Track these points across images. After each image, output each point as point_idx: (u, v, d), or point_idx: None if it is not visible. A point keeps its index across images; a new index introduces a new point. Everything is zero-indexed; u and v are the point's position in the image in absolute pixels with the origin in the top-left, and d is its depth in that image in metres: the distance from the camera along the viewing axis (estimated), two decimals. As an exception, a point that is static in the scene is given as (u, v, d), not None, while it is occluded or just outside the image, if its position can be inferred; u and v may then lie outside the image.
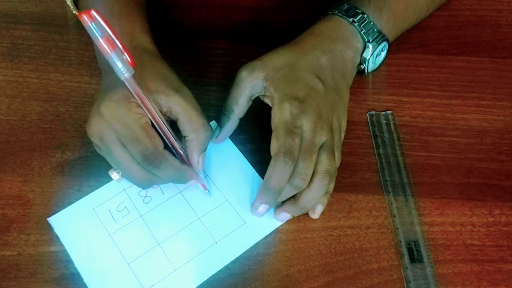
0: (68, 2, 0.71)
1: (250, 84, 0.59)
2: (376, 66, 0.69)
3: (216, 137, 0.62)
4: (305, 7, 0.76)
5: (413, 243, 0.57)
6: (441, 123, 0.66)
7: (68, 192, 0.60)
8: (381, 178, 0.61)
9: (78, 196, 0.60)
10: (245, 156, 0.63)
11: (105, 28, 0.49)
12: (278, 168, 0.54)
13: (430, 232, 0.58)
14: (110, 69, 0.52)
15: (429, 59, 0.71)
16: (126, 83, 0.52)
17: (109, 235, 0.57)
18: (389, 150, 0.63)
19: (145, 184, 0.57)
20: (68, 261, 0.56)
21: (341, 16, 0.64)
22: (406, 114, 0.66)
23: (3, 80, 0.69)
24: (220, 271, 0.56)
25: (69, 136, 0.64)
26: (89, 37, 0.70)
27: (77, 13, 0.72)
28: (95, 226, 0.58)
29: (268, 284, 0.55)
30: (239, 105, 0.60)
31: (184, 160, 0.57)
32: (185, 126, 0.56)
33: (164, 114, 0.55)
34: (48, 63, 0.70)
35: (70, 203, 0.59)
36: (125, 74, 0.51)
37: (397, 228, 0.58)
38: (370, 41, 0.64)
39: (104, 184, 0.60)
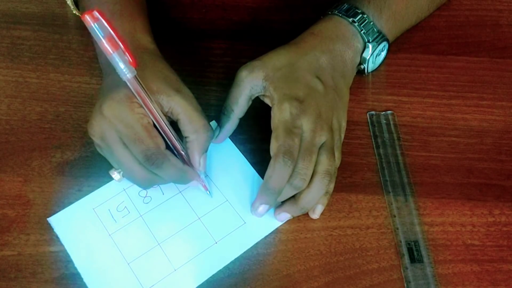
0: (68, 2, 0.72)
1: (250, 84, 0.59)
2: (376, 66, 0.69)
3: (216, 137, 0.62)
4: (305, 7, 0.76)
5: (413, 243, 0.57)
6: (441, 123, 0.66)
7: (68, 192, 0.60)
8: (381, 178, 0.61)
9: (78, 196, 0.60)
10: (245, 156, 0.63)
11: (107, 29, 0.50)
12: (277, 169, 0.54)
13: (430, 232, 0.58)
14: (111, 69, 0.52)
15: (429, 59, 0.71)
16: (128, 84, 0.52)
17: (109, 235, 0.57)
18: (389, 150, 0.63)
19: (146, 184, 0.57)
20: (68, 261, 0.56)
21: (341, 16, 0.64)
22: (406, 114, 0.66)
23: (3, 80, 0.69)
24: (220, 271, 0.56)
25: (69, 136, 0.64)
26: (89, 37, 0.71)
27: (77, 13, 0.72)
28: (95, 226, 0.58)
29: (268, 284, 0.55)
30: (239, 105, 0.60)
31: (186, 161, 0.57)
32: (186, 126, 0.56)
33: (165, 115, 0.55)
34: (48, 63, 0.70)
35: (70, 203, 0.59)
36: (127, 75, 0.51)
37: (397, 228, 0.58)
38: (370, 41, 0.64)
39: (104, 184, 0.60)
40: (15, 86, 0.68)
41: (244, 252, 0.57)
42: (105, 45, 0.50)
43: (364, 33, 0.64)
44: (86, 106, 0.66)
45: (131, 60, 0.51)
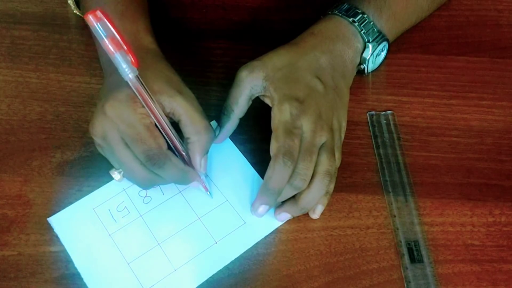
0: (69, 2, 0.72)
1: (250, 84, 0.59)
2: (376, 66, 0.69)
3: (216, 137, 0.62)
4: (305, 7, 0.76)
5: (413, 243, 0.57)
6: (441, 123, 0.66)
7: (68, 192, 0.60)
8: (381, 178, 0.61)
9: (78, 196, 0.60)
10: (245, 156, 0.63)
11: (110, 29, 0.50)
12: (277, 169, 0.54)
13: (430, 232, 0.58)
14: (113, 69, 0.52)
15: (429, 59, 0.71)
16: (130, 84, 0.52)
17: (109, 235, 0.57)
18: (389, 150, 0.63)
19: (147, 185, 0.57)
20: (68, 261, 0.56)
21: (341, 16, 0.64)
22: (406, 114, 0.66)
23: (3, 80, 0.69)
24: (220, 271, 0.56)
25: (69, 136, 0.64)
26: (89, 37, 0.71)
27: (78, 13, 0.72)
28: (95, 226, 0.58)
29: (268, 284, 0.55)
30: (239, 105, 0.60)
31: (186, 162, 0.57)
32: (187, 128, 0.56)
33: (167, 116, 0.55)
34: (48, 63, 0.70)
35: (70, 203, 0.59)
36: (129, 75, 0.51)
37: (397, 228, 0.58)
38: (370, 41, 0.64)
39: (104, 184, 0.60)
40: (15, 86, 0.68)
41: (244, 252, 0.57)
42: (108, 45, 0.50)
43: (364, 33, 0.64)
44: (86, 106, 0.66)
45: (133, 60, 0.51)
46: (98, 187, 0.60)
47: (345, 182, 0.61)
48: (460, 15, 0.75)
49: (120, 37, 0.50)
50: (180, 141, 0.56)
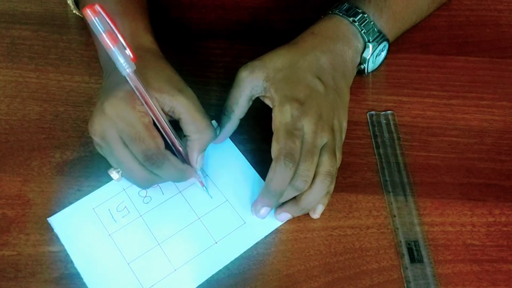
0: (68, 2, 0.71)
1: (251, 84, 0.59)
2: (376, 66, 0.69)
3: (216, 137, 0.62)
4: (305, 7, 0.76)
5: (413, 243, 0.57)
6: (441, 123, 0.66)
7: (68, 192, 0.60)
8: (381, 178, 0.61)
9: (78, 196, 0.60)
10: (245, 156, 0.63)
11: (108, 23, 0.49)
12: (278, 171, 0.54)
13: (430, 232, 0.58)
14: (113, 68, 0.52)
15: (429, 59, 0.71)
16: (128, 79, 0.52)
17: (109, 235, 0.57)
18: (389, 150, 0.63)
19: (145, 184, 0.57)
20: (68, 261, 0.56)
21: (341, 16, 0.64)
22: (406, 114, 0.66)
23: (2, 80, 0.69)
24: (220, 271, 0.56)
25: (68, 136, 0.64)
26: (88, 37, 0.71)
27: (77, 13, 0.72)
28: (95, 226, 0.58)
29: (268, 284, 0.55)
30: (239, 106, 0.60)
31: (183, 157, 0.57)
32: (188, 126, 0.56)
33: (166, 114, 0.55)
34: (48, 63, 0.70)
35: (70, 203, 0.59)
36: (127, 70, 0.51)
37: (397, 228, 0.58)
38: (370, 41, 0.64)
39: (104, 184, 0.60)
40: (15, 86, 0.68)
41: (244, 252, 0.57)
42: (106, 40, 0.50)
43: (364, 33, 0.64)
44: (86, 106, 0.66)
45: (131, 55, 0.51)
46: (98, 187, 0.60)
47: (345, 182, 0.61)
48: (460, 15, 0.75)
49: (118, 32, 0.50)
50: (177, 137, 0.56)
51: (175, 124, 0.56)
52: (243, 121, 0.62)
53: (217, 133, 0.62)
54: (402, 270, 0.56)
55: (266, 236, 0.58)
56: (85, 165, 0.62)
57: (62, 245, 0.57)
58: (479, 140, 0.64)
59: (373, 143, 0.64)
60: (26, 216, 0.58)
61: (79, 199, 0.59)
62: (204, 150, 0.57)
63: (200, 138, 0.56)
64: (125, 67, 0.51)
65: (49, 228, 0.58)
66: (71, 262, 0.56)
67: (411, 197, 0.60)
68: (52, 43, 0.72)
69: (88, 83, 0.68)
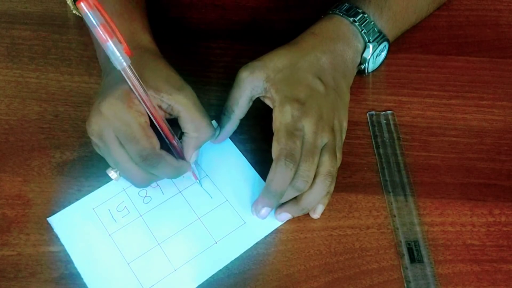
0: (68, 2, 0.71)
1: (251, 85, 0.59)
2: (376, 66, 0.69)
3: (216, 137, 0.62)
4: (305, 7, 0.76)
5: (413, 243, 0.57)
6: (441, 123, 0.66)
7: (68, 192, 0.60)
8: (381, 178, 0.61)
9: (78, 196, 0.60)
10: (245, 156, 0.63)
11: (103, 17, 0.49)
12: (279, 172, 0.54)
13: (430, 232, 0.58)
14: (111, 68, 0.52)
15: (429, 59, 0.71)
16: (123, 73, 0.51)
17: (109, 235, 0.57)
18: (389, 150, 0.63)
19: (142, 183, 0.57)
20: (68, 261, 0.56)
21: (341, 16, 0.64)
22: (406, 114, 0.66)
23: (2, 80, 0.69)
24: (220, 271, 0.56)
25: (68, 136, 0.64)
26: (88, 37, 0.71)
27: (77, 13, 0.72)
28: (95, 226, 0.58)
29: (268, 284, 0.55)
30: (240, 106, 0.60)
31: (178, 152, 0.57)
32: (187, 124, 0.55)
33: (165, 111, 0.55)
34: (48, 63, 0.70)
35: (70, 203, 0.59)
36: (123, 63, 0.51)
37: (397, 228, 0.58)
38: (371, 41, 0.64)
39: (104, 184, 0.60)
40: (15, 86, 0.68)
41: (244, 252, 0.57)
42: (100, 33, 0.49)
43: (364, 33, 0.64)
44: (85, 106, 0.66)
45: (126, 48, 0.51)
46: (98, 187, 0.60)
47: (345, 182, 0.61)
48: (460, 15, 0.75)
49: (113, 25, 0.50)
50: (173, 134, 0.56)
51: (173, 121, 0.56)
52: (243, 121, 0.62)
53: (217, 134, 0.62)
54: (402, 270, 0.56)
55: (266, 236, 0.58)
56: (85, 165, 0.62)
57: (62, 245, 0.57)
58: (479, 140, 0.64)
59: (373, 143, 0.64)
60: (26, 216, 0.58)
61: (79, 199, 0.59)
62: (200, 147, 0.57)
63: (199, 137, 0.56)
64: (121, 61, 0.51)
65: (49, 228, 0.58)
66: (71, 262, 0.56)
67: (411, 197, 0.60)
68: (52, 43, 0.72)
69: (88, 83, 0.68)
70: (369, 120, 0.66)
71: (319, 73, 0.60)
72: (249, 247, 0.57)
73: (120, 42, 0.50)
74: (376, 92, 0.68)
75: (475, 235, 0.58)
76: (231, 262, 0.56)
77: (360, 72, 0.67)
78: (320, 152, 0.56)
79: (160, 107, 0.54)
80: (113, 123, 0.53)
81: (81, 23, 0.73)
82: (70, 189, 0.60)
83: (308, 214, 0.58)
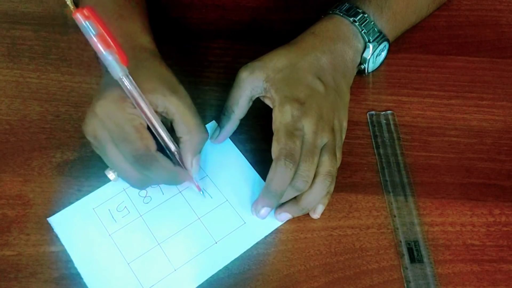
0: (68, 2, 0.71)
1: (251, 85, 0.59)
2: (376, 66, 0.69)
3: (216, 137, 0.62)
4: (305, 7, 0.76)
5: (413, 243, 0.57)
6: (441, 123, 0.66)
7: (68, 192, 0.60)
8: (381, 178, 0.61)
9: (78, 196, 0.60)
10: (245, 156, 0.63)
11: (99, 27, 0.49)
12: (279, 172, 0.54)
13: (430, 232, 0.58)
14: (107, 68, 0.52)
15: (429, 59, 0.71)
16: (120, 83, 0.52)
17: (109, 235, 0.57)
18: (389, 150, 0.63)
19: (139, 185, 0.57)
20: (68, 261, 0.56)
21: (342, 16, 0.64)
22: (406, 114, 0.66)
23: (3, 80, 0.69)
24: (220, 271, 0.56)
25: (69, 136, 0.64)
26: (84, 35, 0.71)
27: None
28: (95, 226, 0.58)
29: (268, 284, 0.55)
30: (240, 106, 0.60)
31: (179, 162, 0.57)
32: (179, 127, 0.55)
33: (160, 115, 0.55)
34: (48, 63, 0.70)
35: (70, 203, 0.59)
36: (119, 73, 0.51)
37: (397, 228, 0.58)
38: (371, 41, 0.64)
39: (104, 184, 0.60)
40: (15, 86, 0.68)
41: (244, 252, 0.57)
42: (97, 44, 0.50)
43: (364, 33, 0.64)
44: (86, 106, 0.66)
45: (122, 58, 0.51)
46: (98, 187, 0.60)
47: (345, 182, 0.61)
48: (460, 15, 0.75)
49: (109, 36, 0.50)
50: (172, 141, 0.56)
51: (170, 129, 0.56)
52: (243, 121, 0.62)
53: (217, 134, 0.62)
54: (402, 270, 0.56)
55: (266, 236, 0.58)
56: (86, 165, 0.62)
57: (62, 245, 0.57)
58: (479, 140, 0.64)
59: (373, 143, 0.64)
60: (27, 216, 0.59)
61: (79, 199, 0.59)
62: (198, 152, 0.57)
63: (191, 139, 0.55)
64: (117, 71, 0.51)
65: (49, 228, 0.58)
66: (71, 262, 0.56)
67: (411, 197, 0.60)
68: (52, 43, 0.72)
69: (89, 83, 0.68)
70: (369, 120, 0.66)
71: (319, 73, 0.60)
72: (249, 247, 0.57)
73: (117, 52, 0.50)
74: (376, 92, 0.68)
75: (475, 235, 0.58)
76: (231, 262, 0.56)
77: (360, 72, 0.67)
78: (320, 152, 0.56)
79: (155, 110, 0.54)
80: (107, 124, 0.53)
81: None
82: (70, 189, 0.60)
83: (308, 214, 0.58)
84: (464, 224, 0.59)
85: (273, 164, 0.55)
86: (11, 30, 0.73)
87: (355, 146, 0.64)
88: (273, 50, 0.61)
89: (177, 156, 0.56)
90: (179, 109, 0.55)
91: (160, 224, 0.58)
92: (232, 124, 0.61)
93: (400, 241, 0.57)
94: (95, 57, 0.68)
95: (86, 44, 0.71)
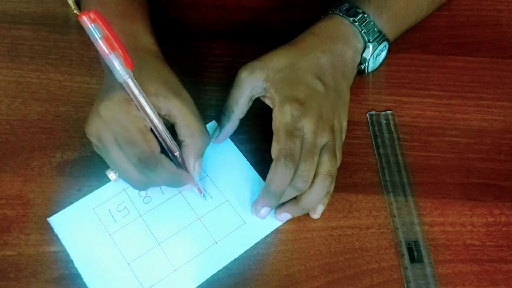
0: (69, 2, 0.71)
1: (251, 85, 0.59)
2: (376, 66, 0.69)
3: (216, 137, 0.62)
4: (305, 7, 0.76)
5: (413, 243, 0.57)
6: (441, 123, 0.66)
7: (68, 192, 0.60)
8: (381, 178, 0.61)
9: (78, 196, 0.60)
10: (245, 156, 0.63)
11: (104, 30, 0.49)
12: (279, 172, 0.54)
13: (430, 232, 0.58)
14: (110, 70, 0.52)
15: (429, 59, 0.71)
16: (124, 86, 0.52)
17: (109, 235, 0.57)
18: (389, 150, 0.63)
19: (140, 186, 0.57)
20: (68, 261, 0.56)
21: (341, 16, 0.64)
22: (406, 114, 0.66)
23: (3, 80, 0.69)
24: (220, 271, 0.56)
25: (69, 136, 0.64)
26: (89, 37, 0.71)
27: (78, 13, 0.72)
28: (95, 226, 0.58)
29: (268, 284, 0.55)
30: (239, 106, 0.60)
31: (181, 165, 0.57)
32: (182, 130, 0.55)
33: (162, 118, 0.55)
34: (48, 63, 0.70)
35: (70, 203, 0.59)
36: (124, 77, 0.51)
37: (397, 228, 0.58)
38: (371, 41, 0.64)
39: (104, 184, 0.60)
40: (15, 86, 0.68)
41: (244, 252, 0.57)
42: (102, 46, 0.50)
43: (364, 32, 0.64)
44: (86, 106, 0.66)
45: (127, 62, 0.51)
46: (98, 187, 0.60)
47: (345, 182, 0.61)
48: (460, 15, 0.75)
49: (114, 39, 0.50)
50: (175, 144, 0.56)
51: (173, 131, 0.56)
52: (243, 121, 0.62)
53: (217, 134, 0.62)
54: (402, 270, 0.56)
55: (266, 236, 0.58)
56: (86, 165, 0.62)
57: (62, 245, 0.57)
58: (479, 140, 0.64)
59: (373, 143, 0.64)
60: (27, 216, 0.59)
61: (79, 199, 0.60)
62: (201, 156, 0.57)
63: (194, 143, 0.55)
64: (122, 75, 0.51)
65: (49, 228, 0.58)
66: (71, 262, 0.56)
67: (411, 197, 0.60)
68: (52, 43, 0.72)
69: (89, 84, 0.68)
70: (369, 120, 0.66)
71: (319, 73, 0.60)
72: (249, 247, 0.57)
73: (122, 55, 0.50)
74: (376, 92, 0.68)
75: (475, 235, 0.58)
76: (231, 262, 0.56)
77: (360, 72, 0.67)
78: (320, 152, 0.56)
79: (158, 113, 0.54)
80: (111, 126, 0.53)
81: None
82: (71, 189, 0.60)
83: (308, 214, 0.58)
84: (464, 224, 0.59)
85: (273, 164, 0.55)
86: (11, 30, 0.73)
87: (355, 146, 0.64)
88: (273, 50, 0.61)
89: (179, 159, 0.56)
90: (182, 112, 0.55)
91: (160, 224, 0.58)
92: (232, 124, 0.61)
93: (400, 241, 0.57)
94: (99, 58, 0.68)
95: (86, 44, 0.72)
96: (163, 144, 0.55)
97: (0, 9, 0.75)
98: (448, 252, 0.57)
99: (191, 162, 0.56)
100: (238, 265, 0.56)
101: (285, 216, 0.58)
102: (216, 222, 0.58)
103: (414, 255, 0.56)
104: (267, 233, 0.58)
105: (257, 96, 0.60)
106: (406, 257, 0.56)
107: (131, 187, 0.60)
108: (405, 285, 0.55)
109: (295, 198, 0.57)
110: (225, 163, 0.62)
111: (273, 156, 0.55)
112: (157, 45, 0.62)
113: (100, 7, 0.60)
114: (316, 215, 0.58)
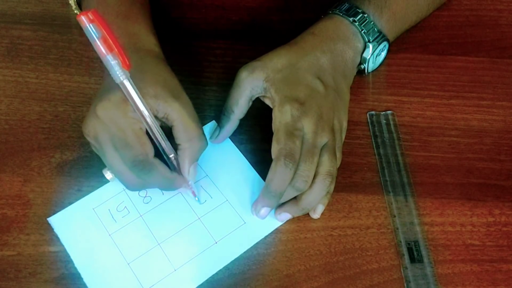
0: (70, 2, 0.71)
1: (251, 85, 0.59)
2: (376, 66, 0.69)
3: (216, 137, 0.62)
4: (305, 7, 0.76)
5: (413, 243, 0.57)
6: (441, 123, 0.66)
7: (68, 192, 0.60)
8: (381, 178, 0.61)
9: (78, 196, 0.60)
10: (245, 156, 0.63)
11: (102, 30, 0.49)
12: (279, 172, 0.54)
13: (430, 232, 0.58)
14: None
15: (429, 59, 0.71)
16: (121, 87, 0.51)
17: (109, 235, 0.57)
18: (389, 150, 0.63)
19: (135, 187, 0.56)
20: (68, 261, 0.56)
21: (341, 16, 0.64)
22: (406, 114, 0.66)
23: (2, 80, 0.69)
24: (220, 271, 0.56)
25: (68, 136, 0.64)
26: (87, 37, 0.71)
27: (78, 12, 0.72)
28: (95, 226, 0.58)
29: (268, 284, 0.55)
30: (239, 106, 0.60)
31: (176, 168, 0.56)
32: (179, 134, 0.55)
33: (160, 120, 0.55)
34: (48, 63, 0.70)
35: (70, 203, 0.59)
36: (120, 77, 0.51)
37: (397, 228, 0.58)
38: (371, 41, 0.64)
39: (103, 184, 0.60)
40: (15, 86, 0.68)
41: (244, 252, 0.57)
42: (99, 47, 0.50)
43: (364, 32, 0.64)
44: (85, 106, 0.66)
45: (124, 63, 0.51)
46: (98, 187, 0.60)
47: (345, 182, 0.61)
48: (460, 15, 0.75)
49: (112, 39, 0.50)
50: (170, 147, 0.55)
51: (169, 133, 0.56)
52: (243, 121, 0.62)
53: (217, 134, 0.62)
54: (402, 270, 0.56)
55: (266, 236, 0.58)
56: (85, 165, 0.62)
57: (62, 245, 0.57)
58: (479, 140, 0.64)
59: (373, 143, 0.64)
60: (26, 216, 0.59)
61: (79, 199, 0.59)
62: (196, 160, 0.57)
63: (191, 147, 0.55)
64: (119, 75, 0.51)
65: (49, 228, 0.58)
66: (71, 262, 0.56)
67: (411, 197, 0.60)
68: (52, 43, 0.72)
69: (88, 84, 0.68)
70: (369, 120, 0.66)
71: (319, 73, 0.60)
72: (249, 247, 0.57)
73: (119, 56, 0.50)
74: (376, 92, 0.68)
75: (475, 235, 0.58)
76: (231, 262, 0.56)
77: (360, 72, 0.67)
78: (320, 152, 0.56)
79: (156, 117, 0.54)
80: (108, 127, 0.53)
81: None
82: (70, 189, 0.60)
83: (308, 214, 0.58)
84: (464, 224, 0.59)
85: (273, 164, 0.55)
86: (10, 30, 0.73)
87: (355, 146, 0.64)
88: (273, 50, 0.61)
89: (174, 162, 0.56)
90: (181, 116, 0.54)
91: (160, 224, 0.58)
92: (232, 124, 0.61)
93: (400, 241, 0.57)
94: (95, 57, 0.68)
95: (85, 44, 0.72)
96: (158, 147, 0.55)
97: (0, 9, 0.75)
98: (448, 252, 0.57)
99: (186, 166, 0.56)
100: (238, 265, 0.56)
101: (285, 216, 0.58)
102: (216, 222, 0.58)
103: (414, 255, 0.56)
104: (267, 233, 0.58)
105: (257, 96, 0.60)
106: (406, 257, 0.56)
107: (130, 187, 0.60)
108: (405, 285, 0.55)
109: (295, 198, 0.57)
110: (225, 163, 0.62)
111: (273, 156, 0.55)
112: (159, 46, 0.62)
113: (101, 8, 0.60)
114: (316, 215, 0.58)
